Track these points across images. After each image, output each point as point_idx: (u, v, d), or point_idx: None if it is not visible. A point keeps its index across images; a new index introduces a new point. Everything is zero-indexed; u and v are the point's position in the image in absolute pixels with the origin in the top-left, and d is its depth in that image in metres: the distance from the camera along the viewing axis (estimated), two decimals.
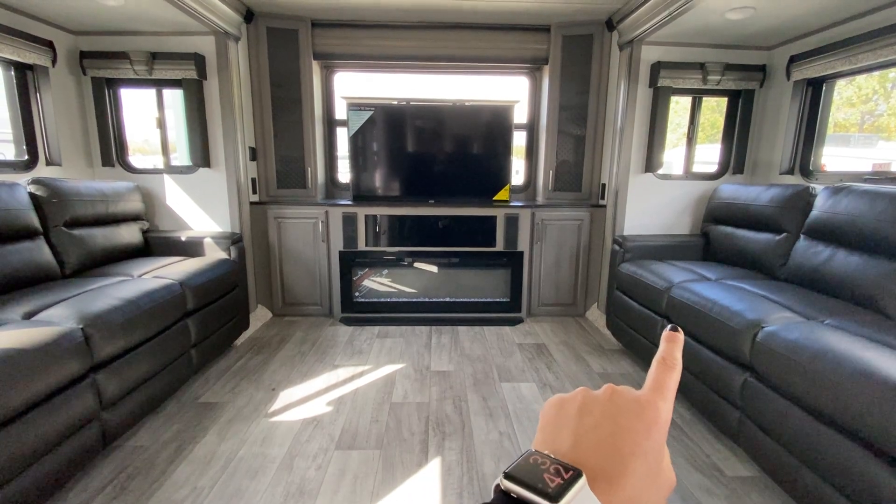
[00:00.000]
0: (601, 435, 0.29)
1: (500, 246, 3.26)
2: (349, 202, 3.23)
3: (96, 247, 2.41)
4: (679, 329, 0.33)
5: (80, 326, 1.58)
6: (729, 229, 2.74)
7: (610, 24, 3.04)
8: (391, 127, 3.24)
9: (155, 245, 2.80)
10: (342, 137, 3.52)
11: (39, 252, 2.11)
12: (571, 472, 0.26)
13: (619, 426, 0.29)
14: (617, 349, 2.83)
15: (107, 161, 2.92)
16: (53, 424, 1.41)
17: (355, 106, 3.16)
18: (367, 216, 3.18)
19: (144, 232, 2.82)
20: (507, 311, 3.38)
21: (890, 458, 1.16)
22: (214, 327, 2.43)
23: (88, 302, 1.73)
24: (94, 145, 2.91)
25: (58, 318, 1.61)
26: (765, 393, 1.57)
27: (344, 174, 3.58)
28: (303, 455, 1.75)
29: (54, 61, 2.58)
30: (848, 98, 2.91)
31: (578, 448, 0.29)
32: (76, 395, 1.51)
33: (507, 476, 0.26)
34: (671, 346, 0.32)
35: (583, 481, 0.26)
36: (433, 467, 1.69)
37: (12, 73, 2.44)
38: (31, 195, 2.18)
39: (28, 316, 1.64)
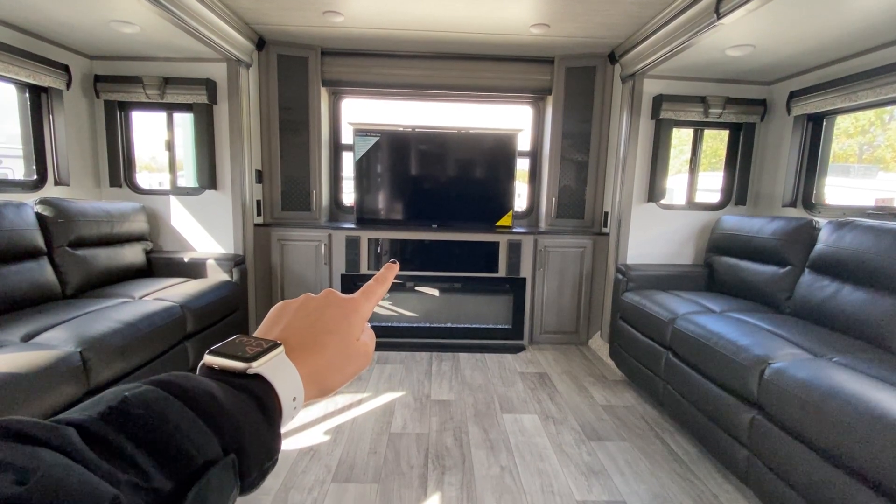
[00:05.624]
0: (308, 321, 0.35)
1: (502, 272, 3.25)
2: (352, 225, 3.24)
3: (99, 267, 2.41)
4: (397, 262, 0.44)
5: (79, 350, 1.56)
6: (732, 260, 2.74)
7: (612, 58, 3.11)
8: (396, 153, 3.28)
9: (158, 266, 2.80)
10: (348, 161, 3.56)
11: (41, 272, 2.11)
12: (270, 344, 0.31)
13: (323, 314, 0.36)
14: (620, 380, 2.79)
15: (114, 181, 2.95)
16: None
17: (362, 132, 3.20)
18: (370, 240, 3.19)
19: (148, 252, 2.83)
20: (508, 337, 3.35)
21: None
22: None
23: (88, 324, 1.72)
24: (103, 166, 2.95)
25: (56, 340, 1.59)
26: (774, 432, 1.53)
27: (348, 196, 3.61)
28: (298, 487, 1.70)
29: (69, 84, 2.64)
30: (845, 129, 2.95)
31: (286, 331, 0.34)
32: None
33: (211, 352, 0.30)
34: (387, 271, 0.42)
35: (280, 349, 0.31)
36: None
37: (27, 94, 2.49)
38: (38, 215, 2.19)
39: (27, 338, 1.62)
